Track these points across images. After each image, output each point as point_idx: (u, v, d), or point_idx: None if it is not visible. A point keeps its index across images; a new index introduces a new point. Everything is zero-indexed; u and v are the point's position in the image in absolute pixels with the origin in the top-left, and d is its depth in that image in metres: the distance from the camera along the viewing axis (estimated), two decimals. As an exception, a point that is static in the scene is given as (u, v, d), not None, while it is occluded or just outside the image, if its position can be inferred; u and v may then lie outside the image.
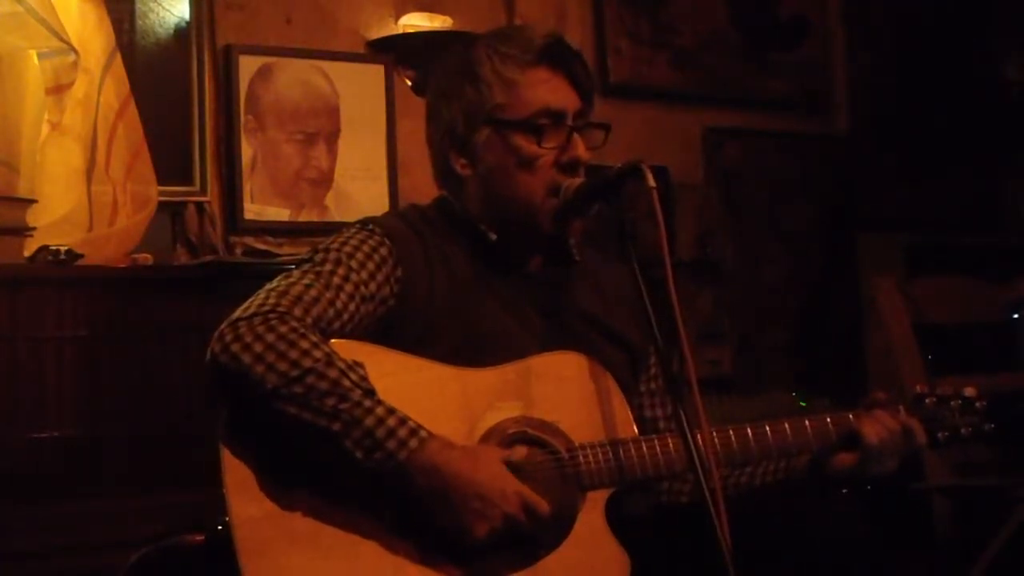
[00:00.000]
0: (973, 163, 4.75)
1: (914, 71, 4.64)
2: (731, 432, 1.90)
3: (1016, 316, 4.23)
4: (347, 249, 1.85)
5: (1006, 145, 4.75)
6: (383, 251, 1.87)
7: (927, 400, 2.05)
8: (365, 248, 1.86)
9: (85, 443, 2.61)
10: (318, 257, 1.85)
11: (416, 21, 3.60)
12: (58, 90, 2.85)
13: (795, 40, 4.47)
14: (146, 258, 2.95)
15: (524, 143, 1.91)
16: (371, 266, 1.85)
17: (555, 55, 1.94)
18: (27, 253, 2.76)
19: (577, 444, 1.83)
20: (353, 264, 1.83)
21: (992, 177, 4.81)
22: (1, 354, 2.56)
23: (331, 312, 1.78)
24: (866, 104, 4.58)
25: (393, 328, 1.85)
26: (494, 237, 1.95)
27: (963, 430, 2.04)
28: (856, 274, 4.43)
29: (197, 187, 3.32)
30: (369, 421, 1.68)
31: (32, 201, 2.80)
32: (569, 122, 1.92)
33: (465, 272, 1.92)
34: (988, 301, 4.22)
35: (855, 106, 4.59)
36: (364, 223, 1.92)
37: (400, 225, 1.93)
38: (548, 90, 1.92)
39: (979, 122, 4.71)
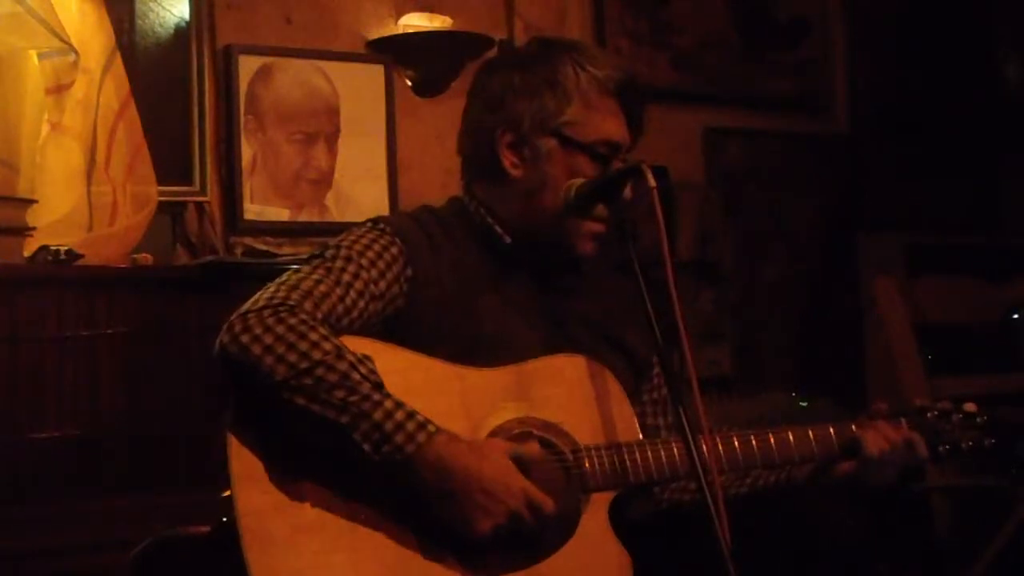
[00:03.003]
0: (973, 163, 4.75)
1: (914, 71, 4.63)
2: (735, 439, 1.91)
3: (1016, 316, 4.24)
4: (358, 247, 1.86)
5: (1006, 145, 4.75)
6: (393, 250, 1.88)
7: (928, 414, 2.06)
8: (376, 247, 1.87)
9: (85, 443, 2.61)
10: (328, 254, 1.86)
11: (416, 21, 3.60)
12: (58, 90, 2.86)
13: (795, 40, 4.46)
14: (146, 258, 2.95)
15: (587, 166, 1.93)
16: (381, 265, 1.85)
17: (628, 93, 1.97)
18: (27, 253, 2.76)
19: (582, 446, 1.83)
20: (363, 262, 1.84)
21: (992, 177, 4.81)
22: (1, 354, 2.56)
23: (340, 308, 1.79)
24: (866, 104, 4.58)
25: (401, 327, 1.86)
26: (508, 240, 1.96)
27: (964, 444, 2.05)
28: (856, 274, 4.42)
29: (197, 187, 3.31)
30: (378, 414, 1.68)
31: (32, 201, 2.80)
32: (622, 156, 1.95)
33: (474, 274, 1.92)
34: (988, 301, 4.22)
35: (855, 106, 4.58)
36: (375, 222, 1.93)
37: (411, 225, 1.94)
38: (614, 122, 1.95)
39: (979, 122, 4.71)
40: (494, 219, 1.97)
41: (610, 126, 1.94)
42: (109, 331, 2.67)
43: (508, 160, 1.95)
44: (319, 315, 1.75)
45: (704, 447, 1.71)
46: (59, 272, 2.69)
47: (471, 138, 2.02)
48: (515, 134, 1.94)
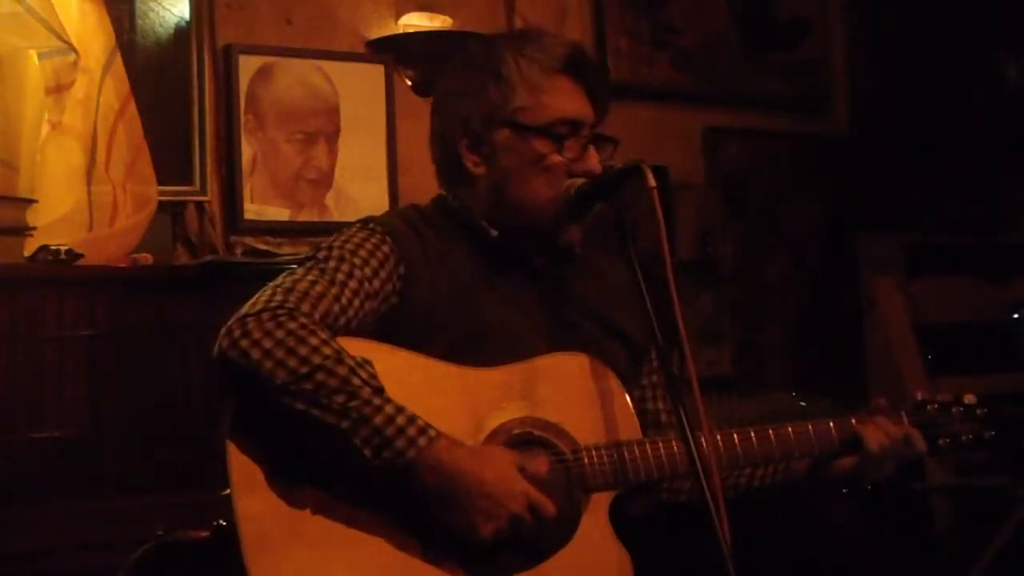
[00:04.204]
0: (973, 163, 4.75)
1: (914, 71, 4.63)
2: (734, 435, 1.91)
3: (1016, 316, 4.24)
4: (349, 247, 1.87)
5: (1006, 145, 4.75)
6: (385, 249, 1.88)
7: (928, 407, 2.06)
8: (367, 246, 1.87)
9: (85, 443, 2.61)
10: (321, 254, 1.86)
11: (416, 21, 3.60)
12: (58, 90, 2.85)
13: (795, 40, 4.46)
14: (146, 258, 2.94)
15: (543, 149, 1.92)
16: (374, 263, 1.86)
17: (578, 65, 1.96)
18: (27, 253, 2.76)
19: (582, 445, 1.83)
20: (356, 261, 1.84)
21: (992, 177, 4.81)
22: (1, 354, 2.56)
23: (336, 308, 1.79)
24: (866, 104, 4.58)
25: (396, 325, 1.86)
26: (495, 234, 1.96)
27: (964, 437, 2.05)
28: (856, 274, 4.43)
29: (197, 187, 3.31)
30: (378, 419, 1.68)
31: (32, 201, 2.80)
32: (585, 133, 1.94)
33: (466, 270, 1.93)
34: (988, 301, 4.22)
35: (855, 106, 4.59)
36: (365, 222, 1.93)
37: (401, 224, 1.94)
38: (569, 99, 1.94)
39: (979, 122, 4.71)
40: (477, 216, 1.98)
41: (563, 103, 1.93)
42: (109, 331, 2.67)
43: (470, 161, 1.97)
44: (316, 316, 1.75)
45: (704, 446, 1.70)
46: (59, 272, 2.69)
47: (436, 146, 2.04)
48: (470, 135, 1.96)
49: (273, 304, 1.74)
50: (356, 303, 1.82)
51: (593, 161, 1.93)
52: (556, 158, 1.92)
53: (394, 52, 3.59)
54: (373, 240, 1.89)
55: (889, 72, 4.61)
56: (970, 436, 2.05)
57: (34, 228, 2.78)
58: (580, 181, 1.91)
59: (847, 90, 4.59)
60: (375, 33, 3.62)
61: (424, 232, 1.94)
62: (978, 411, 2.07)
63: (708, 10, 4.27)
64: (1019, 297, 4.25)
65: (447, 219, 1.99)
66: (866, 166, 4.52)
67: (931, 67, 4.66)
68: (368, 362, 1.73)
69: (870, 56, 4.60)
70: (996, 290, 4.25)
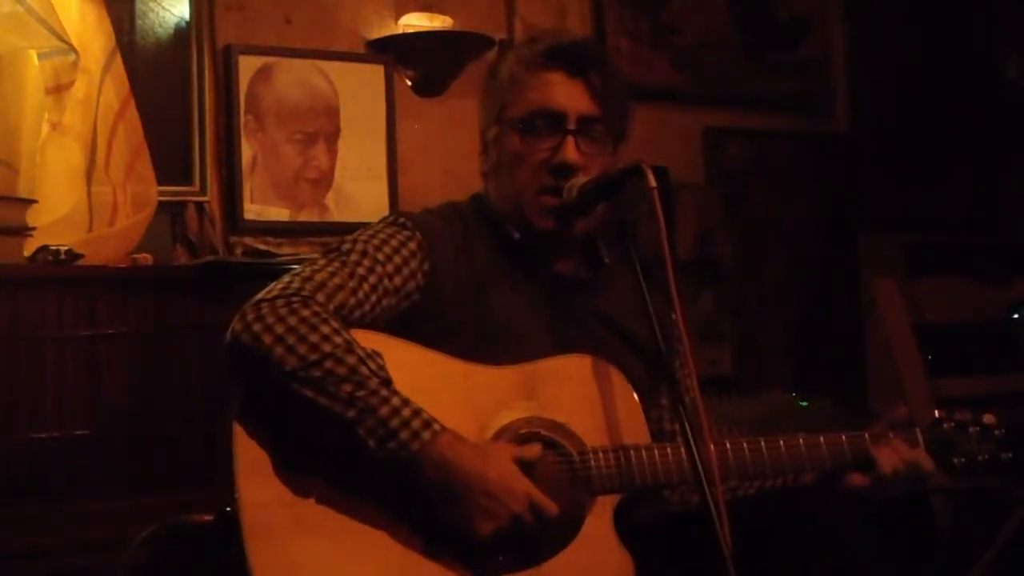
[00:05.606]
0: (973, 163, 4.75)
1: (914, 71, 4.63)
2: (745, 445, 1.90)
3: (1016, 316, 4.23)
4: (375, 242, 1.87)
5: (1006, 145, 4.75)
6: (412, 245, 1.89)
7: (945, 425, 2.02)
8: (393, 242, 1.88)
9: (85, 443, 2.61)
10: (345, 247, 1.87)
11: (416, 21, 3.60)
12: (58, 90, 2.86)
13: (795, 40, 4.46)
14: (146, 258, 2.95)
15: (515, 142, 1.94)
16: (397, 260, 1.87)
17: (568, 58, 1.95)
18: (27, 253, 2.76)
19: (589, 447, 1.83)
20: (380, 257, 1.85)
21: (992, 177, 4.81)
22: (1, 354, 2.56)
23: (352, 301, 1.80)
24: (866, 104, 4.58)
25: (415, 321, 1.87)
26: (518, 236, 1.97)
27: (980, 457, 2.01)
28: (856, 274, 4.43)
29: (197, 187, 3.32)
30: (384, 410, 1.69)
31: (32, 201, 2.80)
32: (570, 125, 1.92)
33: (488, 268, 1.93)
34: (988, 301, 4.22)
35: (855, 106, 4.58)
36: (396, 216, 1.95)
37: (431, 220, 1.96)
38: (553, 91, 1.93)
39: (979, 122, 4.70)
40: (501, 216, 1.99)
41: (543, 96, 1.93)
42: (109, 331, 2.67)
43: (480, 160, 2.04)
44: (331, 307, 1.76)
45: (708, 452, 1.70)
46: (59, 272, 2.69)
47: None
48: (482, 137, 2.03)
49: (289, 291, 1.75)
50: (373, 298, 1.82)
51: (568, 153, 1.91)
52: (528, 150, 1.93)
53: (394, 52, 3.60)
54: (400, 236, 1.89)
55: (889, 72, 4.61)
56: (986, 457, 2.01)
57: (34, 228, 2.78)
58: (582, 181, 1.90)
59: (847, 90, 4.58)
60: (375, 33, 3.62)
61: (454, 228, 1.96)
62: (996, 432, 2.02)
63: (708, 10, 4.27)
64: (1019, 297, 4.24)
65: (479, 216, 2.01)
66: (866, 166, 4.52)
67: (931, 67, 4.66)
68: (377, 354, 1.73)
69: (870, 56, 4.60)
70: (996, 290, 4.24)
